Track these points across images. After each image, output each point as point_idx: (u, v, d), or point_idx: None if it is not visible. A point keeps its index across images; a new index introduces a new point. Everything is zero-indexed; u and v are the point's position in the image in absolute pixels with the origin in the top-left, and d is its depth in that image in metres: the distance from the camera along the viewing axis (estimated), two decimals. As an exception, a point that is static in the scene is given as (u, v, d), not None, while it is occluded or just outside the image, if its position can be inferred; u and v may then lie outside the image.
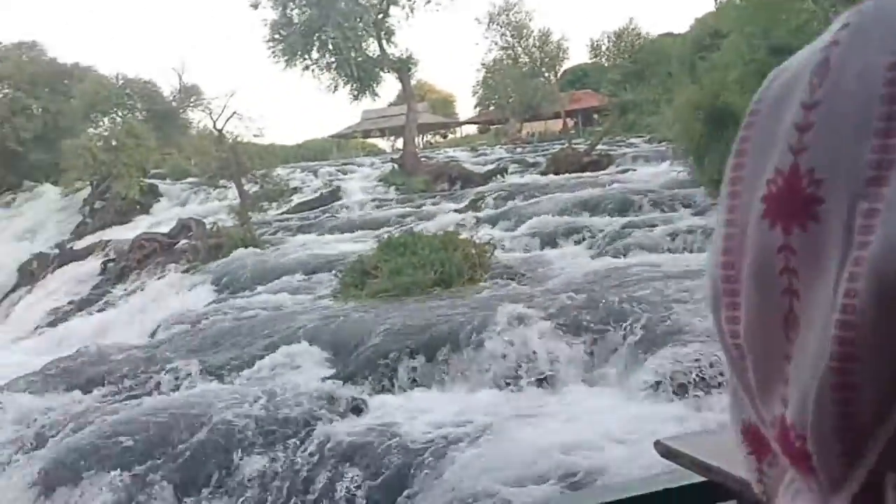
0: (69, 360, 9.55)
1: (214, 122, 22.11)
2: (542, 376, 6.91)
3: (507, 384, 6.87)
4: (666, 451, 1.17)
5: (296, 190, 25.27)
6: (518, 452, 5.19)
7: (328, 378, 7.52)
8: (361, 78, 28.75)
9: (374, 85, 29.68)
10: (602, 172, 22.07)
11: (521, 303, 8.20)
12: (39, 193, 31.50)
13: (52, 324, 16.75)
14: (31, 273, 22.05)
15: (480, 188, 22.36)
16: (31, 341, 15.86)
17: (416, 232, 13.24)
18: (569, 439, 5.36)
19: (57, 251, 22.90)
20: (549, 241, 14.01)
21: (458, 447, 5.48)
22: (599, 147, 25.68)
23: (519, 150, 32.68)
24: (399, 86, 31.15)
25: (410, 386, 7.20)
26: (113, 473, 6.30)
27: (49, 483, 6.29)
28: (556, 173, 23.02)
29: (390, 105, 42.27)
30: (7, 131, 33.25)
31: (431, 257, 11.46)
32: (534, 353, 7.13)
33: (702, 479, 1.09)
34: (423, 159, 28.92)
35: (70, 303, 17.92)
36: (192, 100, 34.09)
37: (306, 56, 28.34)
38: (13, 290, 22.09)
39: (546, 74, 41.72)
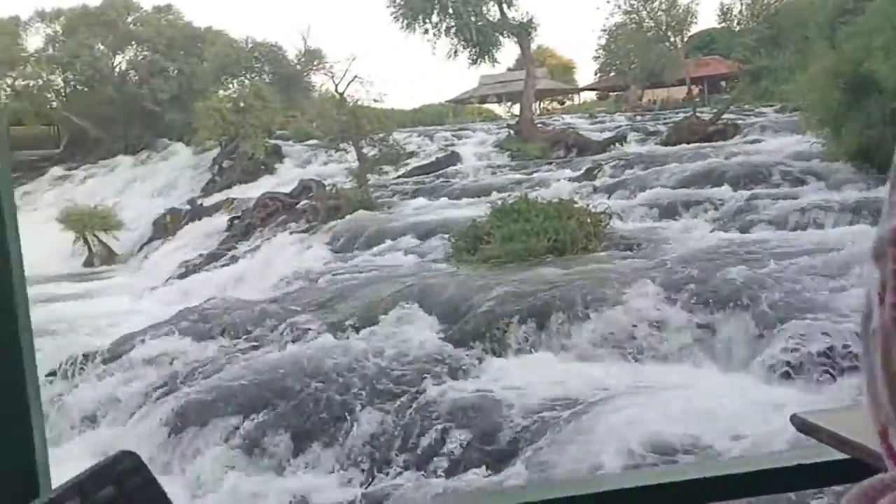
0: (197, 311, 10.11)
1: (336, 86, 22.58)
2: (657, 349, 6.75)
3: (623, 355, 6.76)
4: (802, 425, 1.13)
5: (412, 154, 25.58)
6: (644, 420, 5.10)
7: (439, 339, 7.62)
8: (480, 43, 28.55)
9: (493, 50, 29.41)
10: (728, 142, 21.15)
11: (637, 274, 8.02)
12: (173, 152, 33.29)
13: (182, 275, 17.73)
14: (164, 227, 23.40)
15: (597, 156, 21.92)
16: (163, 291, 16.86)
17: (531, 199, 13.12)
18: (698, 409, 5.23)
19: (188, 207, 24.15)
20: (669, 212, 13.58)
21: (572, 413, 5.45)
22: (726, 116, 24.58)
23: (639, 117, 31.76)
24: (518, 51, 30.78)
25: (522, 351, 7.21)
26: (235, 419, 6.66)
27: (179, 424, 6.72)
28: (679, 143, 22.22)
29: (508, 70, 41.87)
30: (145, 92, 35.20)
31: (545, 225, 11.35)
32: (651, 324, 6.97)
33: (839, 455, 1.04)
34: (539, 126, 28.58)
35: (199, 256, 18.89)
36: (315, 63, 34.92)
37: (426, 20, 28.38)
38: (148, 242, 23.52)
39: (672, 39, 40.11)
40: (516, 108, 34.49)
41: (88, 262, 23.80)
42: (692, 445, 4.76)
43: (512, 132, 27.70)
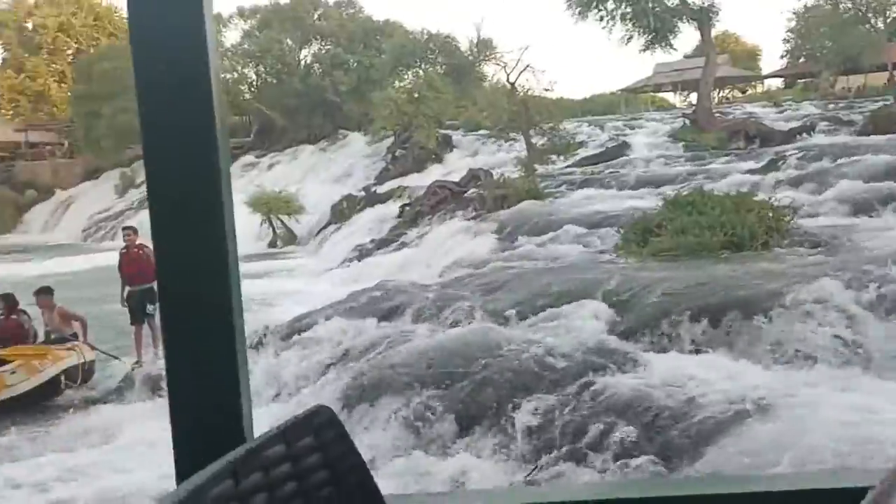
0: (369, 292, 10.53)
1: (508, 76, 22.68)
2: (843, 355, 6.24)
3: (803, 360, 6.31)
4: None
5: (581, 144, 25.23)
6: (817, 431, 4.76)
7: (606, 332, 7.47)
8: (657, 29, 27.58)
9: (671, 36, 28.31)
10: (935, 134, 19.14)
11: (825, 275, 7.45)
12: (350, 141, 34.89)
13: (357, 259, 18.59)
14: (340, 212, 24.59)
15: (782, 147, 20.56)
16: (338, 272, 17.75)
17: (706, 191, 12.54)
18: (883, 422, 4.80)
19: (363, 194, 25.23)
20: (863, 208, 12.51)
21: (751, 417, 5.17)
22: (933, 104, 22.26)
23: (831, 106, 29.47)
24: (697, 37, 29.46)
25: (693, 349, 6.91)
26: (401, 399, 6.88)
27: (351, 399, 7.04)
28: (876, 133, 20.40)
29: (686, 57, 40.21)
30: (327, 84, 37.10)
31: (721, 218, 10.81)
32: (837, 329, 6.46)
33: None
34: (717, 115, 27.26)
35: (371, 241, 19.71)
36: (487, 54, 35.24)
37: (601, 6, 27.81)
38: (325, 226, 24.82)
39: (872, 21, 36.83)
40: (693, 97, 33.08)
41: (272, 244, 25.48)
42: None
43: (687, 122, 26.62)
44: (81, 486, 6.75)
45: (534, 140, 21.71)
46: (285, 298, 13.21)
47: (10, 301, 10.30)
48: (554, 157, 22.14)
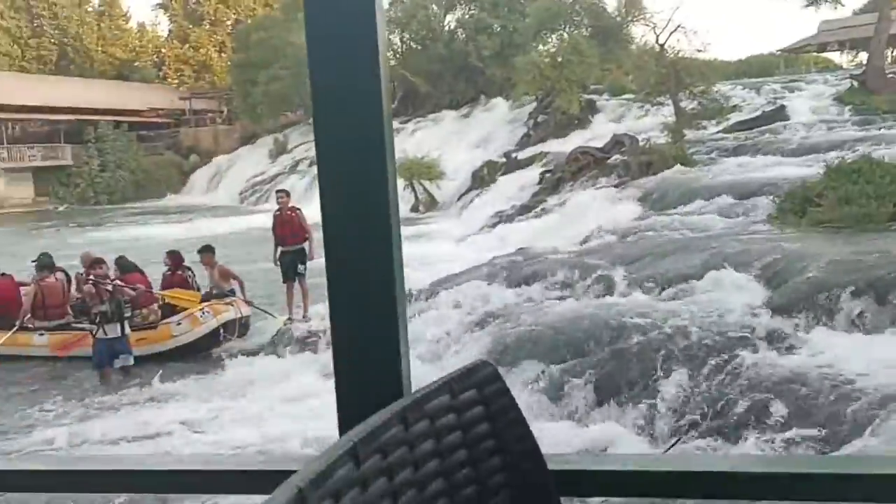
0: (509, 258, 10.57)
1: (657, 37, 21.81)
2: None
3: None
4: None
5: (735, 108, 23.92)
6: None
7: (757, 306, 7.13)
8: (823, -18, 25.57)
9: (839, -10, 26.18)
10: None
11: None
12: (492, 106, 34.84)
13: (496, 225, 18.65)
14: (481, 178, 24.69)
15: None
16: (478, 238, 17.89)
17: (875, 158, 11.60)
18: None
19: (504, 160, 25.18)
20: None
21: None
22: None
23: None
24: (870, -10, 27.08)
25: (854, 327, 6.47)
26: (540, 365, 6.89)
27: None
28: None
29: (855, 14, 37.10)
30: (470, 49, 37.12)
31: (892, 188, 9.99)
32: None
33: None
34: (890, 76, 25.03)
35: (511, 207, 19.68)
36: (635, 14, 34.00)
37: (761, -39, 26.06)
38: (466, 192, 25.02)
39: None
40: (862, 57, 30.56)
41: (414, 208, 26.02)
42: None
43: (855, 83, 24.62)
44: (249, 430, 7.17)
45: (683, 104, 20.82)
46: (426, 262, 13.47)
47: (176, 258, 11.14)
48: (705, 121, 21.15)
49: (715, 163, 17.41)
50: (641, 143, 18.77)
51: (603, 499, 1.04)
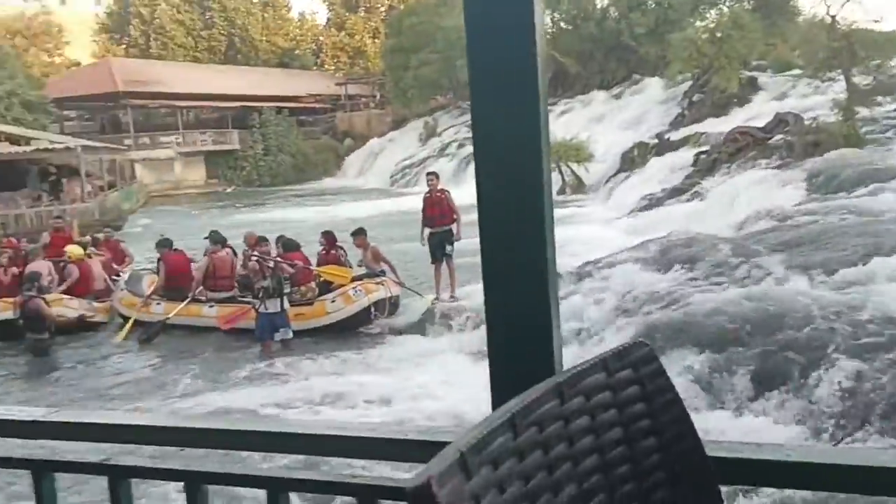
0: (660, 242, 10.24)
1: (828, 8, 20.27)
2: None
3: None
4: None
5: (916, 83, 21.88)
6: None
7: (937, 299, 6.54)
8: None
9: None
10: None
11: None
12: (644, 86, 33.72)
13: (646, 208, 18.12)
14: (631, 160, 24.03)
15: None
16: (627, 221, 17.47)
17: None
18: None
19: (655, 141, 24.37)
20: None
21: None
22: None
23: None
24: None
25: None
26: (694, 353, 6.65)
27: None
28: None
29: None
30: (623, 27, 36.09)
31: None
32: None
33: None
34: None
35: (662, 190, 19.05)
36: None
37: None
38: (615, 174, 24.45)
39: None
40: None
41: (561, 191, 25.72)
42: None
43: None
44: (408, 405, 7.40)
45: (856, 79, 19.30)
46: (574, 245, 13.31)
47: (330, 238, 11.64)
48: (880, 98, 19.50)
49: (892, 142, 16.06)
50: (808, 122, 17.60)
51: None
